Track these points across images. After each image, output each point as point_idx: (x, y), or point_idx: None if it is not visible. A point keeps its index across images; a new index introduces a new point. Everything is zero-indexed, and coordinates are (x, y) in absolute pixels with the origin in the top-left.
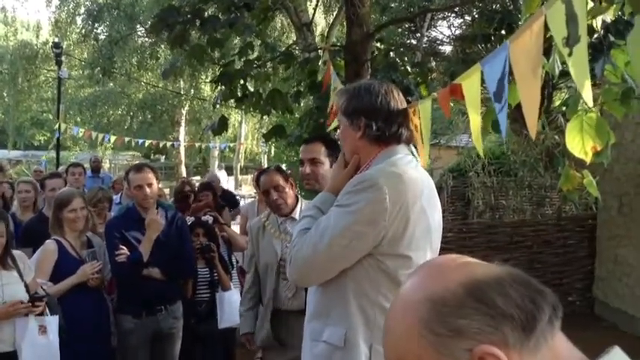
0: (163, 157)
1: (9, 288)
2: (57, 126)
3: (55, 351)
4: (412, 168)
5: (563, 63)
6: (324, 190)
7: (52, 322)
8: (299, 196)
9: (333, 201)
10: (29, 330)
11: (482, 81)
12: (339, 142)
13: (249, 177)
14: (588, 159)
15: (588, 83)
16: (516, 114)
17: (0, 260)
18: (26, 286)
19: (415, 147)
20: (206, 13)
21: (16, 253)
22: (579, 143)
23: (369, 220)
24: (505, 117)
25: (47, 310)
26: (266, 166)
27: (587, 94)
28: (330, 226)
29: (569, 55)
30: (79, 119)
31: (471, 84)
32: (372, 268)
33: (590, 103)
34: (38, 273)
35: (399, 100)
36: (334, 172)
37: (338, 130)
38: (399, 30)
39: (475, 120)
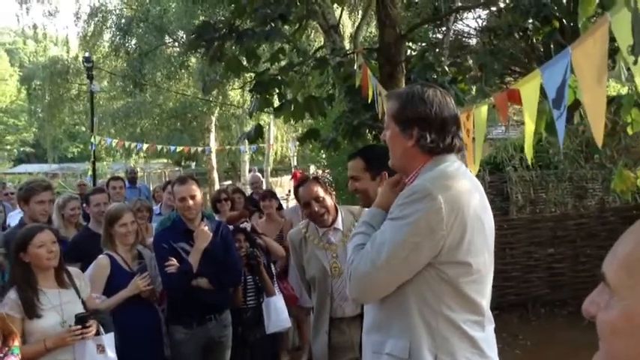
0: (194, 163)
1: (68, 307)
2: (92, 139)
3: None
4: (462, 174)
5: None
6: (373, 206)
7: (109, 339)
8: (338, 206)
9: (383, 216)
10: (88, 350)
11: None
12: (377, 155)
13: (280, 179)
14: None
15: None
16: None
17: (57, 277)
18: (83, 303)
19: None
20: (241, 27)
21: (71, 269)
22: None
23: (426, 230)
24: (564, 124)
25: (102, 329)
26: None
27: None
28: (387, 240)
29: (635, 63)
30: (112, 130)
31: (529, 90)
32: (432, 278)
33: None
34: (92, 287)
35: (452, 108)
36: (383, 188)
37: (383, 133)
38: (425, 25)
39: (530, 127)
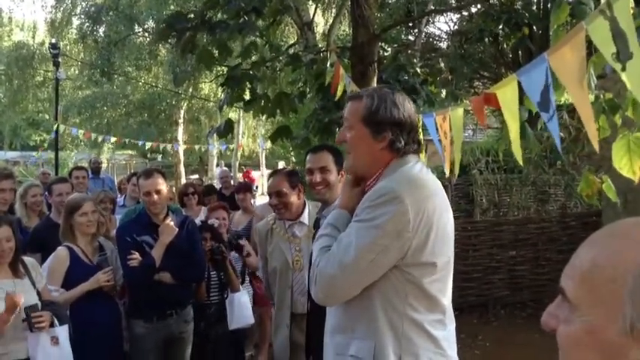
0: (160, 156)
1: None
2: (55, 127)
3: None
4: (425, 175)
5: (599, 77)
6: (337, 208)
7: (62, 332)
8: (306, 200)
9: (348, 218)
10: (41, 342)
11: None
12: (339, 152)
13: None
14: (637, 178)
15: None
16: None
17: (11, 267)
18: (38, 293)
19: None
20: (214, 18)
21: (27, 259)
22: (627, 163)
23: (393, 233)
24: (557, 126)
25: (56, 321)
26: (264, 164)
27: None
28: (354, 242)
29: (623, 70)
30: (77, 120)
31: (507, 93)
32: (397, 279)
33: None
34: (50, 280)
35: (415, 112)
36: (344, 189)
37: (342, 134)
38: (397, 27)
39: (514, 129)
